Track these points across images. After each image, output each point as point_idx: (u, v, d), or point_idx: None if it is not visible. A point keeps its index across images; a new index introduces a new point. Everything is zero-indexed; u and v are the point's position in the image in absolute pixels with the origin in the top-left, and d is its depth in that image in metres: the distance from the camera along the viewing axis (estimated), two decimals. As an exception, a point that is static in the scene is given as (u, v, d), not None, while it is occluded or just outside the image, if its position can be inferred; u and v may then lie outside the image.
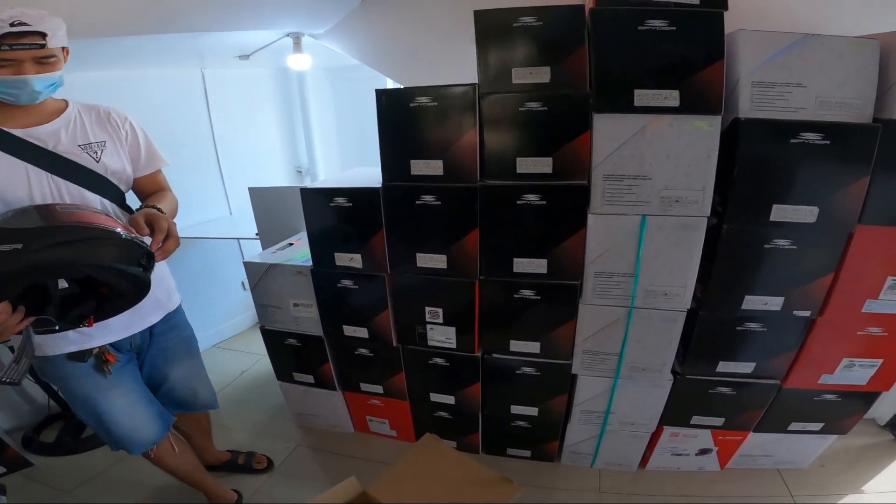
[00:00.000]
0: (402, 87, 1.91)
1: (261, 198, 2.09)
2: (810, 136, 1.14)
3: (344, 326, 1.69)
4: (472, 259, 1.44)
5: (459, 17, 1.36)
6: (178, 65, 2.42)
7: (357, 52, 2.24)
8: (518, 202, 1.33)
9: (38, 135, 1.04)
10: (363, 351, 1.73)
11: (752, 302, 1.33)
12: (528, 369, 1.55)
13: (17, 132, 1.02)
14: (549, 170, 1.29)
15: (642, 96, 1.17)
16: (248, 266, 1.72)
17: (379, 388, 1.81)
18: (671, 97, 1.16)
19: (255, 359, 2.60)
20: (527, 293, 1.44)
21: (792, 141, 1.14)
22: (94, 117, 1.15)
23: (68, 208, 0.98)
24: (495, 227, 1.39)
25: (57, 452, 1.95)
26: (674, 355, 1.42)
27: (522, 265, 1.40)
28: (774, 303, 1.32)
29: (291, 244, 1.88)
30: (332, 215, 1.51)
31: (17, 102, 1.01)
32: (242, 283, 2.87)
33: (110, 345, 1.21)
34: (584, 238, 1.33)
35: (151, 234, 1.04)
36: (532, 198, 1.32)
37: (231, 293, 2.85)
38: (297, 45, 2.25)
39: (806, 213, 1.21)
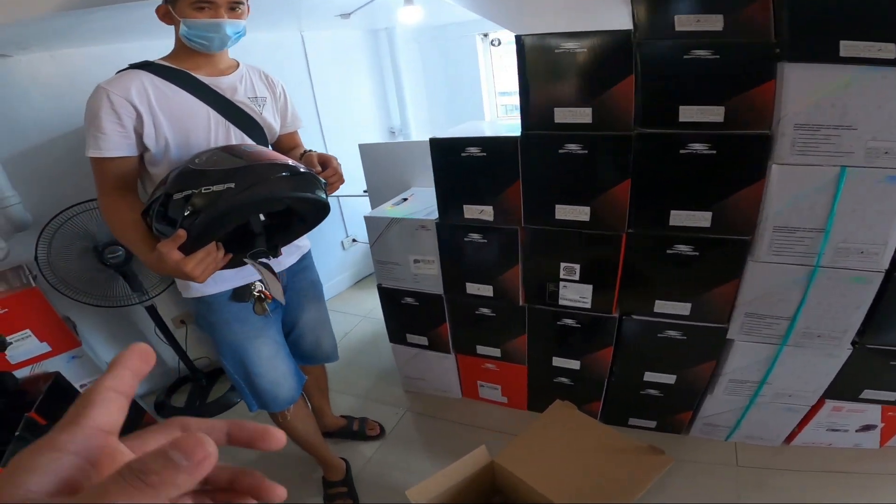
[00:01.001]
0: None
1: (370, 154, 2.06)
2: None
3: (467, 284, 1.64)
4: (620, 211, 1.34)
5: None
6: (275, 28, 2.40)
7: (468, 1, 2.13)
8: (681, 151, 1.21)
9: (220, 84, 1.13)
10: (484, 311, 1.68)
11: (962, 263, 1.15)
12: (672, 333, 1.44)
13: (205, 79, 1.10)
14: (720, 119, 1.17)
15: (850, 47, 1.03)
16: (369, 221, 1.69)
17: (496, 352, 1.76)
18: (887, 49, 1.01)
19: (356, 321, 2.62)
20: (683, 248, 1.32)
21: None
22: (257, 75, 1.23)
23: (251, 148, 1.01)
24: (651, 177, 1.28)
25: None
26: (861, 321, 1.26)
27: (681, 218, 1.29)
28: None
29: (405, 199, 1.84)
30: (463, 166, 1.44)
31: (209, 49, 1.07)
32: (342, 243, 2.90)
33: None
34: (760, 190, 1.19)
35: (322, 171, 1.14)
36: (699, 147, 1.20)
37: (331, 254, 2.87)
38: (409, -3, 2.16)
39: None
